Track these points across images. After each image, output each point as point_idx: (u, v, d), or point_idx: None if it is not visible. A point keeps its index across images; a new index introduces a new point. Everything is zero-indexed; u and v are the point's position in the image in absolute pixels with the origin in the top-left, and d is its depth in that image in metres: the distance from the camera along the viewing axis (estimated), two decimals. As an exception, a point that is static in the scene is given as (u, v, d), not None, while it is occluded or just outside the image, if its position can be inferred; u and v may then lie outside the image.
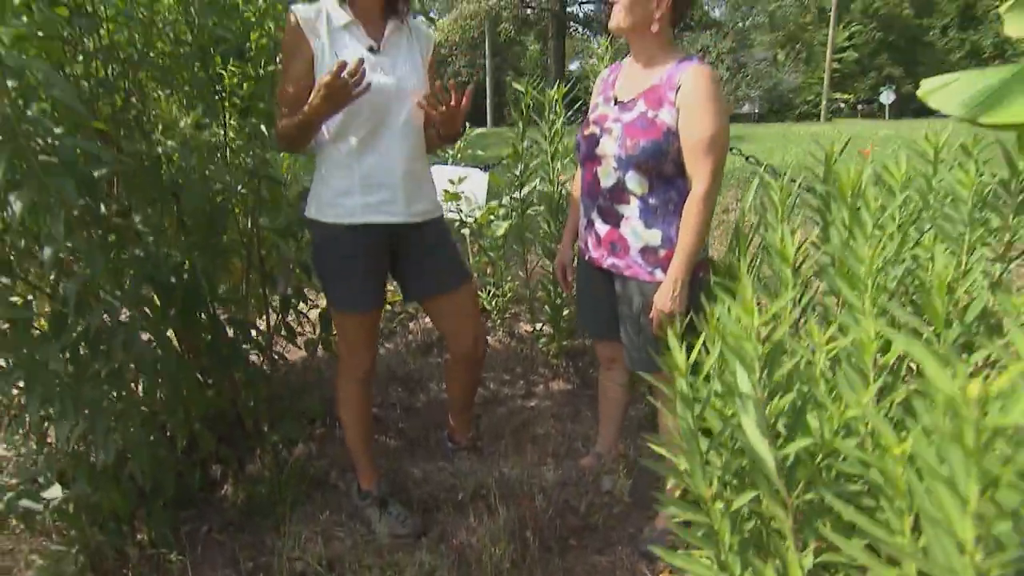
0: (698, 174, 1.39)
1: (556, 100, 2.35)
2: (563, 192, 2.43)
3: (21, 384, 1.22)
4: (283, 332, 2.07)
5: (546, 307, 2.61)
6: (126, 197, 1.35)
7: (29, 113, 1.06)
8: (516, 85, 2.47)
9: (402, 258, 1.61)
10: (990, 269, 1.46)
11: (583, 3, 22.88)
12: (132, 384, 1.54)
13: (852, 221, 1.11)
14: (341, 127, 1.46)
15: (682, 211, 1.43)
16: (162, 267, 1.36)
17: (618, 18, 1.45)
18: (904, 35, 31.40)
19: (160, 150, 1.37)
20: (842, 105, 30.23)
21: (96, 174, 1.12)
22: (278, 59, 1.86)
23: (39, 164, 1.02)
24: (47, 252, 1.10)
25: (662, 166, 1.43)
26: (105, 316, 1.27)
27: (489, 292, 3.02)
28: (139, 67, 1.54)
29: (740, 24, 23.46)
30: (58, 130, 1.07)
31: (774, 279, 1.15)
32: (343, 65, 1.27)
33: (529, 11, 20.60)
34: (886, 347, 0.90)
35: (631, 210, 1.48)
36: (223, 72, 1.74)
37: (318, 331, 2.17)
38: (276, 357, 2.06)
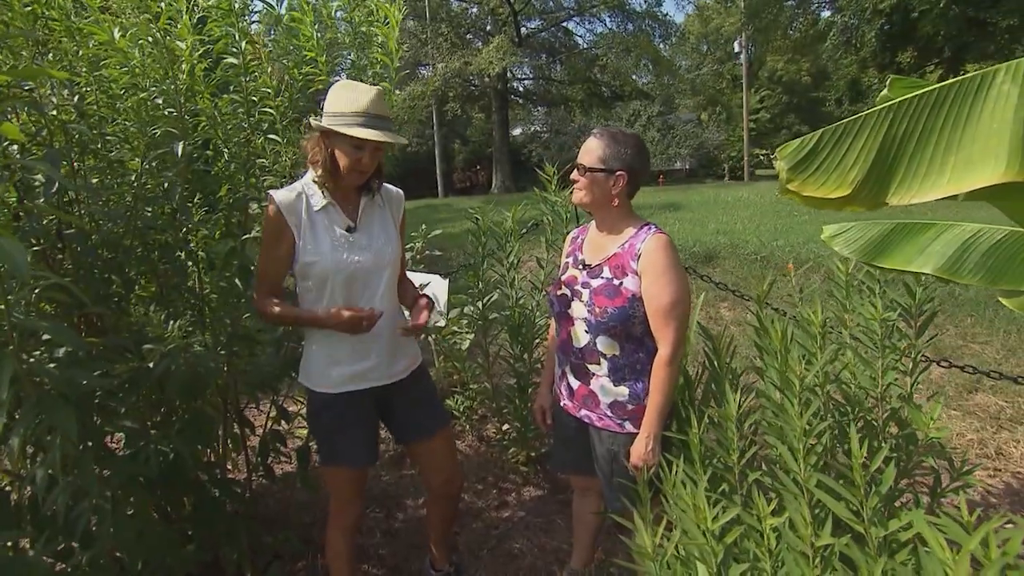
0: (663, 339, 1.50)
1: (512, 230, 2.55)
2: (519, 311, 2.59)
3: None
4: (262, 472, 2.11)
5: (512, 419, 2.72)
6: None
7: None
8: (470, 208, 2.67)
9: (387, 409, 1.75)
10: (902, 383, 1.70)
11: (522, 80, 24.32)
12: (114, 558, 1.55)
13: (782, 383, 1.29)
14: (329, 303, 1.57)
15: (649, 370, 1.53)
16: (150, 462, 1.43)
17: (579, 195, 1.60)
18: (805, 98, 35.48)
19: (151, 363, 1.45)
20: (762, 157, 33.22)
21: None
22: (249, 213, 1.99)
23: (37, 395, 1.07)
24: (39, 474, 1.13)
25: (630, 328, 1.54)
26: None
27: (456, 399, 3.11)
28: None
29: (665, 90, 25.41)
30: (59, 353, 1.15)
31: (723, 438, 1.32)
32: (379, 315, 1.54)
33: (473, 88, 21.63)
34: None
35: (601, 369, 1.58)
36: (192, 230, 1.83)
37: (295, 466, 2.21)
38: (254, 494, 2.08)
